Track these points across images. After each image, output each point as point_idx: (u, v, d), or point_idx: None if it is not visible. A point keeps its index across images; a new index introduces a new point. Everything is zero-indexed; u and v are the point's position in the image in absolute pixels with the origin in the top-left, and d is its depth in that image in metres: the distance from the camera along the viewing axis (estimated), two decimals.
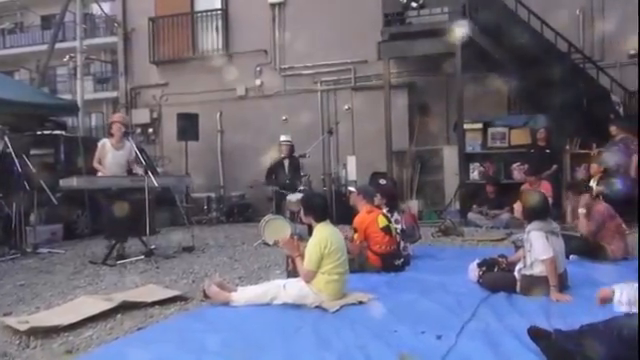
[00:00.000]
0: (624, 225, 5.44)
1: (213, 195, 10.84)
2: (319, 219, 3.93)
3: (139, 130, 12.24)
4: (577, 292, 3.86)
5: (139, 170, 6.28)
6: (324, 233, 3.82)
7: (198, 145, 10.94)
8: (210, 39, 12.04)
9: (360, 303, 3.79)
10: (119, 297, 4.01)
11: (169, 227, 8.93)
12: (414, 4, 8.89)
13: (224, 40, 11.90)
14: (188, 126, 10.59)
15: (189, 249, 6.62)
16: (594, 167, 7.41)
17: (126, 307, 3.82)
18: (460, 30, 8.40)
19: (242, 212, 10.60)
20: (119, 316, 3.70)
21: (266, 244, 6.75)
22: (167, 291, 4.32)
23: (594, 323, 2.35)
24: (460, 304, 3.67)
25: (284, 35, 11.44)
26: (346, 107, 10.79)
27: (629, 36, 9.46)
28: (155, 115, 12.41)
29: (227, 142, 11.82)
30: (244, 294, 3.92)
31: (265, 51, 11.52)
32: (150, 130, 12.40)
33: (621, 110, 8.64)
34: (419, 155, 9.96)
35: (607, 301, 2.22)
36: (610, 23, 9.58)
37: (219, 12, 11.94)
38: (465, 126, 8.99)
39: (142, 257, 5.90)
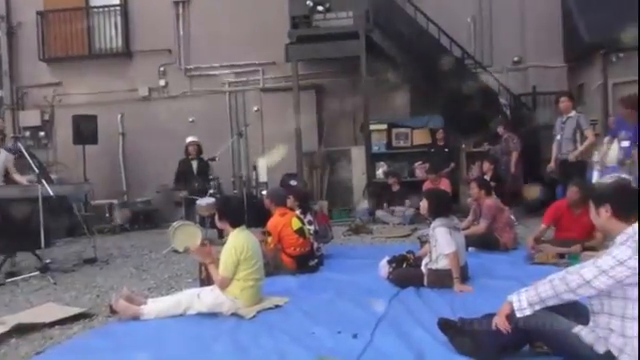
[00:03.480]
0: (513, 217, 5.97)
1: (116, 202, 10.24)
2: (235, 224, 3.87)
3: (28, 134, 11.22)
4: (477, 282, 4.19)
5: (20, 179, 5.80)
6: (240, 238, 3.78)
7: (97, 149, 10.27)
8: (108, 36, 11.33)
9: (277, 307, 3.80)
10: (12, 319, 3.65)
11: (67, 238, 8.30)
12: (320, 8, 9.06)
13: (124, 38, 11.27)
14: (85, 129, 9.91)
15: (91, 261, 6.20)
16: (486, 164, 8.05)
17: (21, 330, 3.50)
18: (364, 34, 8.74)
19: (148, 219, 10.14)
20: (13, 341, 3.38)
21: (176, 251, 6.52)
22: (68, 309, 4.01)
23: (493, 313, 2.56)
24: (373, 301, 3.80)
25: (189, 34, 11.10)
26: (255, 109, 10.73)
27: (513, 44, 10.44)
28: (47, 117, 11.43)
29: (130, 145, 11.22)
30: (155, 306, 3.76)
31: (169, 50, 11.10)
32: (41, 133, 11.40)
33: (508, 111, 9.47)
34: (328, 156, 10.17)
35: (509, 314, 2.43)
36: (497, 32, 10.49)
37: (118, 8, 11.29)
38: (371, 127, 9.37)
39: (36, 273, 5.41)
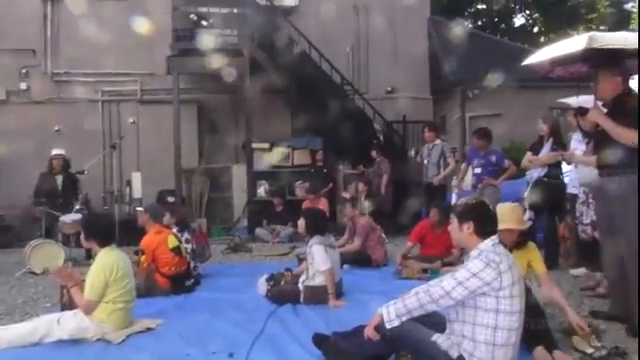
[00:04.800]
0: (383, 235, 6.38)
1: None
2: (104, 243, 3.62)
3: None
4: (350, 297, 4.39)
5: None
6: (109, 258, 3.54)
7: None
8: None
9: (148, 330, 3.61)
10: None
11: None
12: (204, 22, 8.96)
13: None
14: None
15: None
16: (360, 185, 8.52)
17: None
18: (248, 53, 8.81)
19: (1, 237, 8.99)
20: None
21: (33, 273, 5.88)
22: None
23: (364, 325, 2.72)
24: (250, 319, 3.81)
25: (58, 35, 10.25)
26: (131, 120, 10.16)
27: (387, 76, 11.26)
28: None
29: None
30: (5, 335, 3.35)
31: (33, 51, 10.12)
32: None
33: (381, 137, 10.14)
34: (208, 173, 9.97)
35: (378, 325, 2.60)
36: (373, 63, 11.25)
37: None
38: (253, 145, 9.40)
39: None
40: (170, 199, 8.56)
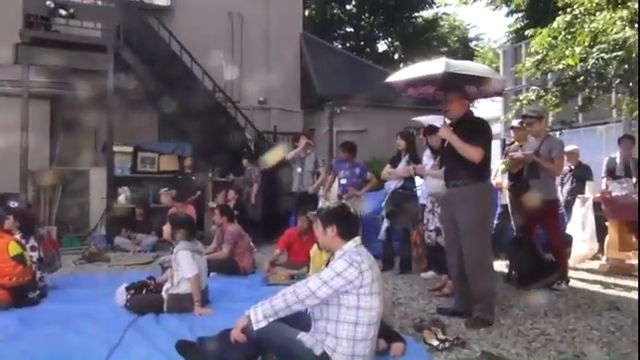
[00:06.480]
0: (252, 243, 6.39)
1: None
2: None
3: None
4: (217, 305, 4.30)
5: None
6: None
7: None
8: None
9: None
10: None
11: None
12: (63, 12, 8.21)
13: None
14: None
15: None
16: (231, 193, 8.44)
17: None
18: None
19: None
20: None
21: None
22: None
23: (230, 329, 2.70)
24: (106, 331, 3.53)
25: None
26: None
27: (260, 86, 11.38)
28: None
29: None
30: None
31: None
32: None
33: (252, 146, 10.18)
34: (62, 176, 9.05)
35: (245, 327, 2.61)
36: (246, 73, 11.29)
37: None
38: (115, 148, 8.78)
39: None
40: (13, 204, 7.58)
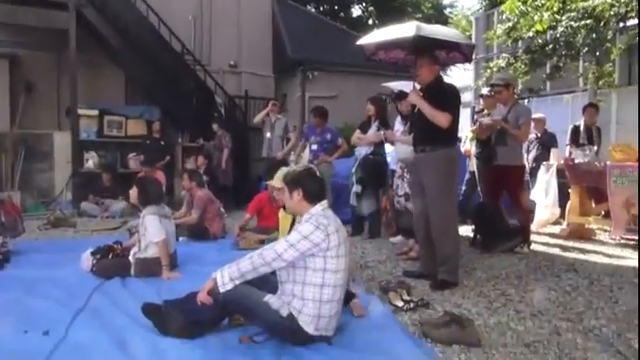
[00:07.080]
0: (222, 209, 6.36)
1: None
2: None
3: None
4: (185, 269, 4.29)
5: None
6: None
7: None
8: None
9: None
10: None
11: None
12: None
13: None
14: None
15: None
16: (200, 159, 8.32)
17: None
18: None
19: None
20: None
21: None
22: None
23: (197, 292, 2.70)
24: (71, 295, 3.49)
25: None
26: None
27: (230, 50, 11.10)
28: None
29: None
30: None
31: None
32: None
33: (223, 110, 10.00)
34: (23, 140, 8.74)
35: (211, 290, 2.62)
36: (216, 36, 10.98)
37: None
38: (80, 111, 8.50)
39: None
40: None
